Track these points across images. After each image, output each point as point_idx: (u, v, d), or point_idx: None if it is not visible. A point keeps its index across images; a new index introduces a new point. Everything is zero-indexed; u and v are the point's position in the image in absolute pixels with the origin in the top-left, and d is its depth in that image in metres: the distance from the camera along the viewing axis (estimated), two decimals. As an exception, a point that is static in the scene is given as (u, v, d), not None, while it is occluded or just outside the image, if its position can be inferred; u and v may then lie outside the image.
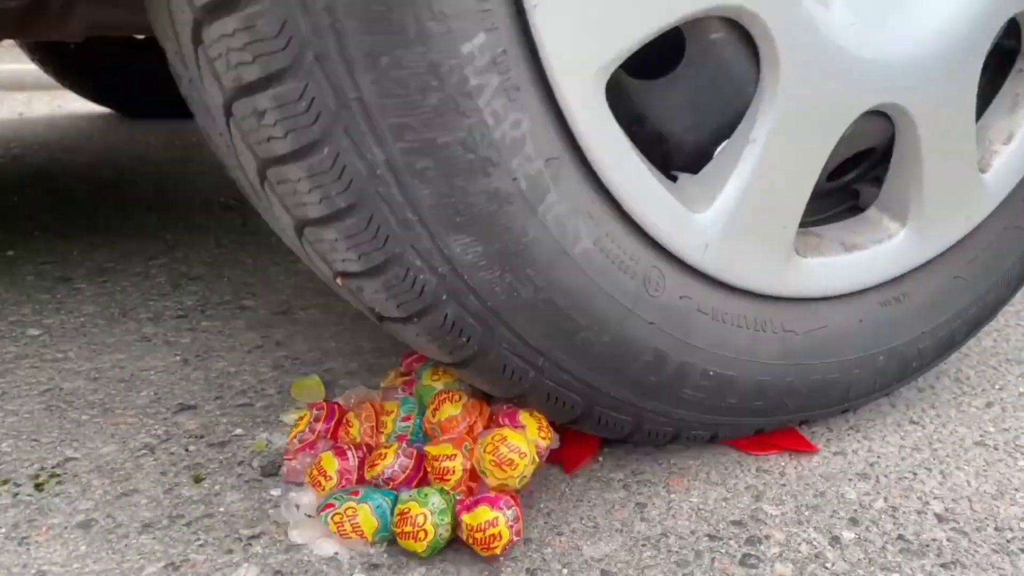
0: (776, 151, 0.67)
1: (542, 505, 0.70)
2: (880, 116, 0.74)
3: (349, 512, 0.63)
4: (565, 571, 0.62)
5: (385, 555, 0.63)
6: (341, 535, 0.63)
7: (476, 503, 0.62)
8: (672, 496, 0.72)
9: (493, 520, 0.61)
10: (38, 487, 0.71)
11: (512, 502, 0.63)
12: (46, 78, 3.89)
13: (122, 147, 2.39)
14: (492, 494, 0.63)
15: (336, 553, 0.63)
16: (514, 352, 0.62)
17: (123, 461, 0.75)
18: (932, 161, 0.76)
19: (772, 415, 0.77)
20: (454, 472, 0.66)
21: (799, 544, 0.66)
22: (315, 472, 0.68)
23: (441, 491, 0.64)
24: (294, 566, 0.62)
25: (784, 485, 0.74)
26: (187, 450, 0.77)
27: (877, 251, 0.79)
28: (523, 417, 0.69)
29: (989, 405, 0.91)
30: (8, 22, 1.15)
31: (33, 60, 2.80)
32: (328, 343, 1.03)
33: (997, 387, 0.96)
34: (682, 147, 0.69)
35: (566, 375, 0.65)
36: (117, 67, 2.69)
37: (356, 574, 0.61)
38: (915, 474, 0.77)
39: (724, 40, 0.65)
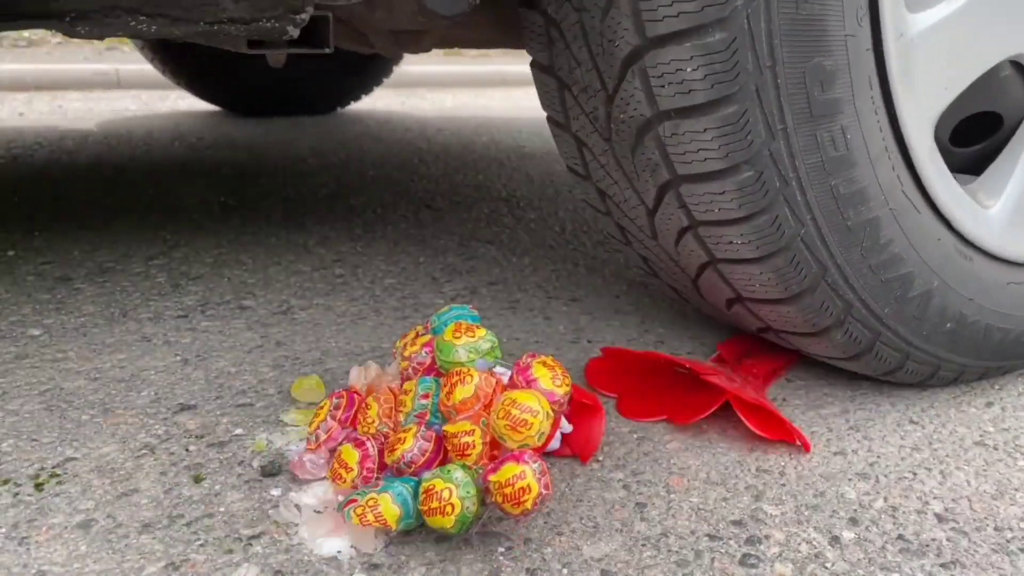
0: (968, 15, 0.78)
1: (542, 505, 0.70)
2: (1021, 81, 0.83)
3: (371, 503, 0.63)
4: (565, 571, 0.62)
5: (385, 555, 0.63)
6: (364, 526, 0.63)
7: (501, 463, 0.62)
8: (672, 496, 0.72)
9: (520, 474, 0.61)
10: (38, 487, 0.71)
11: (536, 456, 0.63)
12: (46, 78, 3.89)
13: (122, 147, 2.39)
14: (516, 452, 0.63)
15: (337, 553, 0.63)
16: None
17: (123, 461, 0.75)
18: None
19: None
20: (474, 446, 0.66)
21: (799, 544, 0.66)
22: (336, 466, 0.68)
23: (463, 466, 0.64)
24: (294, 566, 0.62)
25: (784, 485, 0.74)
26: (187, 450, 0.77)
27: (972, 205, 0.85)
28: (536, 370, 0.69)
29: (989, 405, 0.91)
30: (401, 40, 1.33)
31: (152, 63, 2.97)
32: (328, 343, 1.03)
33: (996, 387, 0.96)
34: None
35: (800, 196, 0.74)
36: (229, 69, 2.89)
37: (356, 574, 0.61)
38: (915, 474, 0.77)
39: None
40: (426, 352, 0.76)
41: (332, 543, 0.64)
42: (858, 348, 0.84)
